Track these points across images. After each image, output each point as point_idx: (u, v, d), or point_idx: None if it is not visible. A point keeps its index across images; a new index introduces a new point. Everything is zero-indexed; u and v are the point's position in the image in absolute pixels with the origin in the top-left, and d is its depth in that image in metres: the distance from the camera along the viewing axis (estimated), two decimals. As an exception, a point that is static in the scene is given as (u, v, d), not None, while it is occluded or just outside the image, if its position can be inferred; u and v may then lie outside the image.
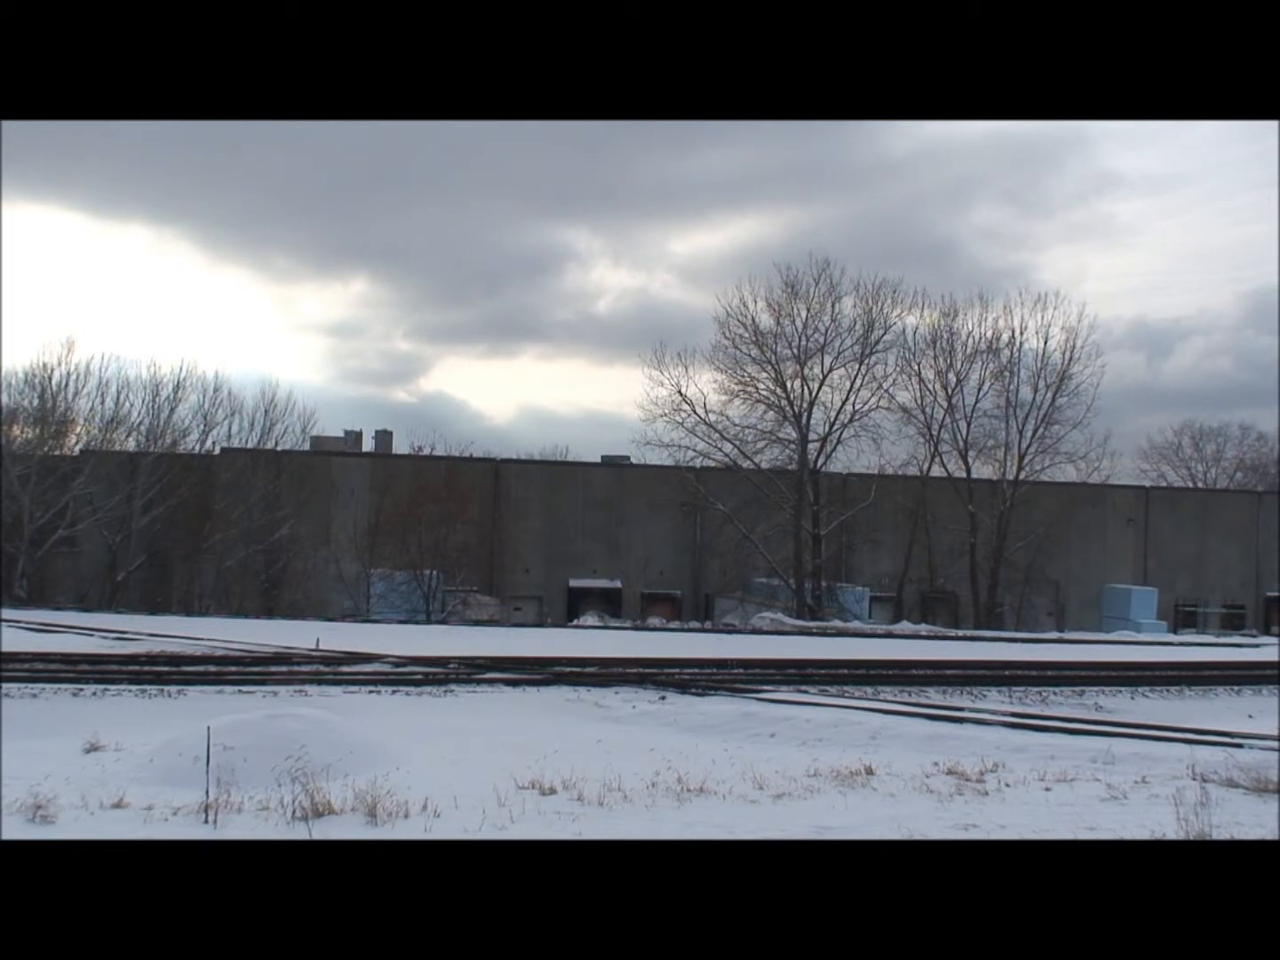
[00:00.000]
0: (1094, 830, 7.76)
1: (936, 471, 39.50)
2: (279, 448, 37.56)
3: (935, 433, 39.11)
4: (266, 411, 37.56)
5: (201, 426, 37.10)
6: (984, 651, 23.20)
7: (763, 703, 14.33)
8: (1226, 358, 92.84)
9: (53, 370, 34.78)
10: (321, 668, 16.72)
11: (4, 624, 20.99)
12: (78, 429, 36.41)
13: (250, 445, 37.00)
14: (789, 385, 36.86)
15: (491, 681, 16.32)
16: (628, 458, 41.07)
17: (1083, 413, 38.08)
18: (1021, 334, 38.41)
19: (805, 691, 15.61)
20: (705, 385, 37.57)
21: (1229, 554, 43.78)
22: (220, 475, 35.43)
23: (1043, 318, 38.29)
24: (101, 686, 14.68)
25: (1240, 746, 11.11)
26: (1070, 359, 38.13)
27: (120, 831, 7.26)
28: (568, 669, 17.20)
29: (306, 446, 38.88)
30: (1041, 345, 38.33)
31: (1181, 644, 28.81)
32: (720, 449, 37.47)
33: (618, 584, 37.89)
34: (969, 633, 31.82)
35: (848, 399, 37.00)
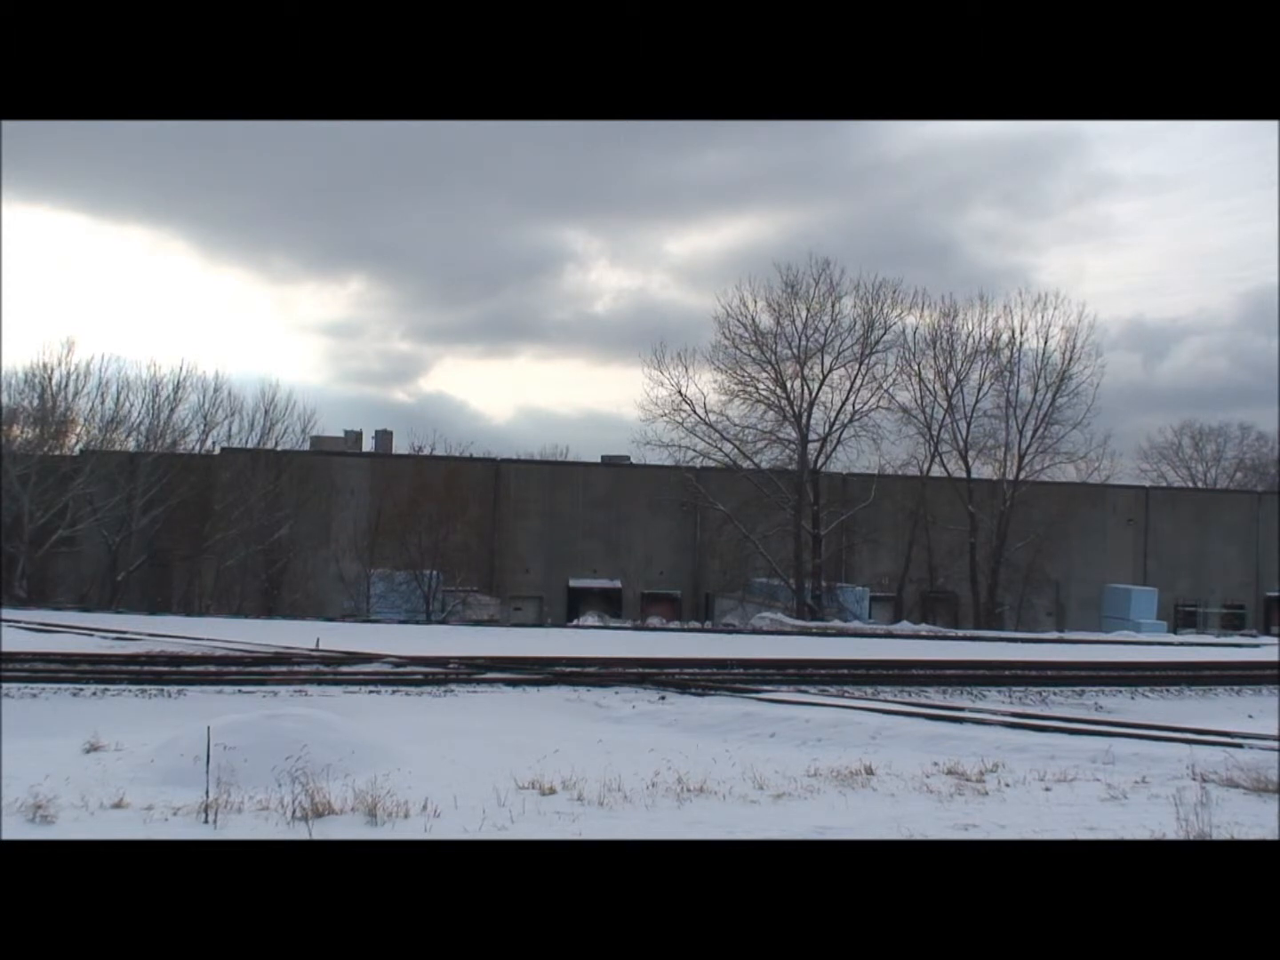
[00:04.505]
0: (1094, 830, 7.75)
1: (936, 471, 39.52)
2: (279, 448, 37.53)
3: (935, 433, 39.13)
4: (266, 411, 37.59)
5: (201, 426, 37.14)
6: (984, 651, 23.19)
7: (763, 703, 14.33)
8: (1223, 358, 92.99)
9: (53, 370, 34.84)
10: (321, 668, 16.72)
11: (4, 624, 20.99)
12: (78, 429, 36.47)
13: (250, 445, 36.98)
14: (789, 385, 36.90)
15: (491, 681, 16.32)
16: (628, 458, 41.07)
17: (1083, 413, 38.15)
18: (1021, 334, 38.49)
19: (805, 691, 15.61)
20: (705, 385, 37.65)
21: (1229, 554, 43.76)
22: (220, 475, 35.43)
23: (1042, 318, 38.37)
24: (101, 686, 14.67)
25: (1240, 746, 11.10)
26: (1070, 359, 38.21)
27: (120, 831, 7.25)
28: (568, 669, 17.19)
29: (306, 446, 38.85)
30: (1041, 345, 38.41)
31: (1181, 644, 28.80)
32: (720, 449, 37.50)
33: (618, 584, 37.88)
34: (969, 633, 31.81)
35: (848, 399, 37.08)
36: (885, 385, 37.67)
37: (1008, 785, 9.66)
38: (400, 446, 42.72)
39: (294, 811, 7.78)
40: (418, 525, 33.54)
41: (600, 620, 32.43)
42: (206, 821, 7.61)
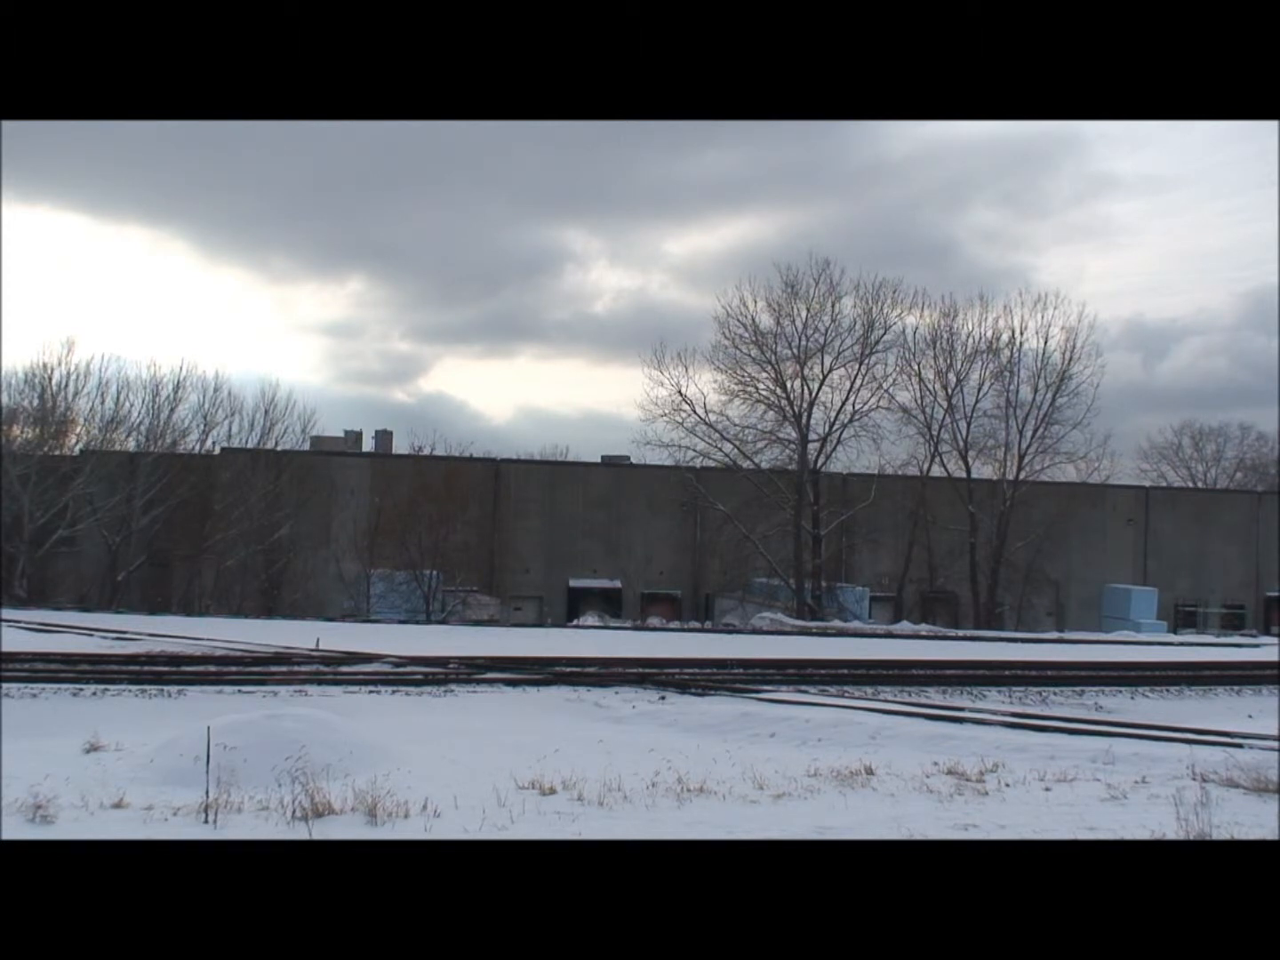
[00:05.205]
0: (1094, 830, 7.76)
1: (936, 471, 39.52)
2: (279, 448, 37.53)
3: (935, 433, 39.12)
4: (266, 411, 37.60)
5: (201, 426, 37.15)
6: (984, 651, 23.19)
7: (763, 703, 14.33)
8: (1223, 358, 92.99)
9: (53, 370, 34.85)
10: (321, 668, 16.71)
11: (4, 624, 20.99)
12: (78, 429, 36.48)
13: (250, 445, 36.98)
14: (789, 385, 36.90)
15: (491, 681, 16.31)
16: (628, 458, 41.07)
17: (1083, 413, 38.16)
18: (1021, 334, 38.49)
19: (805, 691, 15.61)
20: (705, 385, 37.66)
21: (1229, 554, 43.74)
22: (220, 475, 35.42)
23: (1042, 318, 38.37)
24: (101, 686, 14.67)
25: (1240, 746, 11.10)
26: (1070, 359, 38.22)
27: (120, 831, 7.26)
28: (568, 669, 17.19)
29: (306, 446, 38.85)
30: (1041, 345, 38.41)
31: (1181, 644, 28.80)
32: (720, 449, 37.50)
33: (618, 584, 37.88)
34: (969, 633, 31.80)
35: (848, 399, 37.07)
36: (885, 385, 37.73)
37: (1008, 785, 9.66)
38: (400, 446, 42.76)
39: (294, 811, 7.78)
40: (418, 525, 33.54)
41: (600, 620, 32.43)
42: (206, 821, 7.61)
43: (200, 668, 16.36)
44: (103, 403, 35.62)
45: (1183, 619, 41.56)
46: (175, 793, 8.42)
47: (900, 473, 39.96)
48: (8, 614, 23.57)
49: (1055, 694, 17.06)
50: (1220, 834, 7.33)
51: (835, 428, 37.13)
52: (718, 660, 18.47)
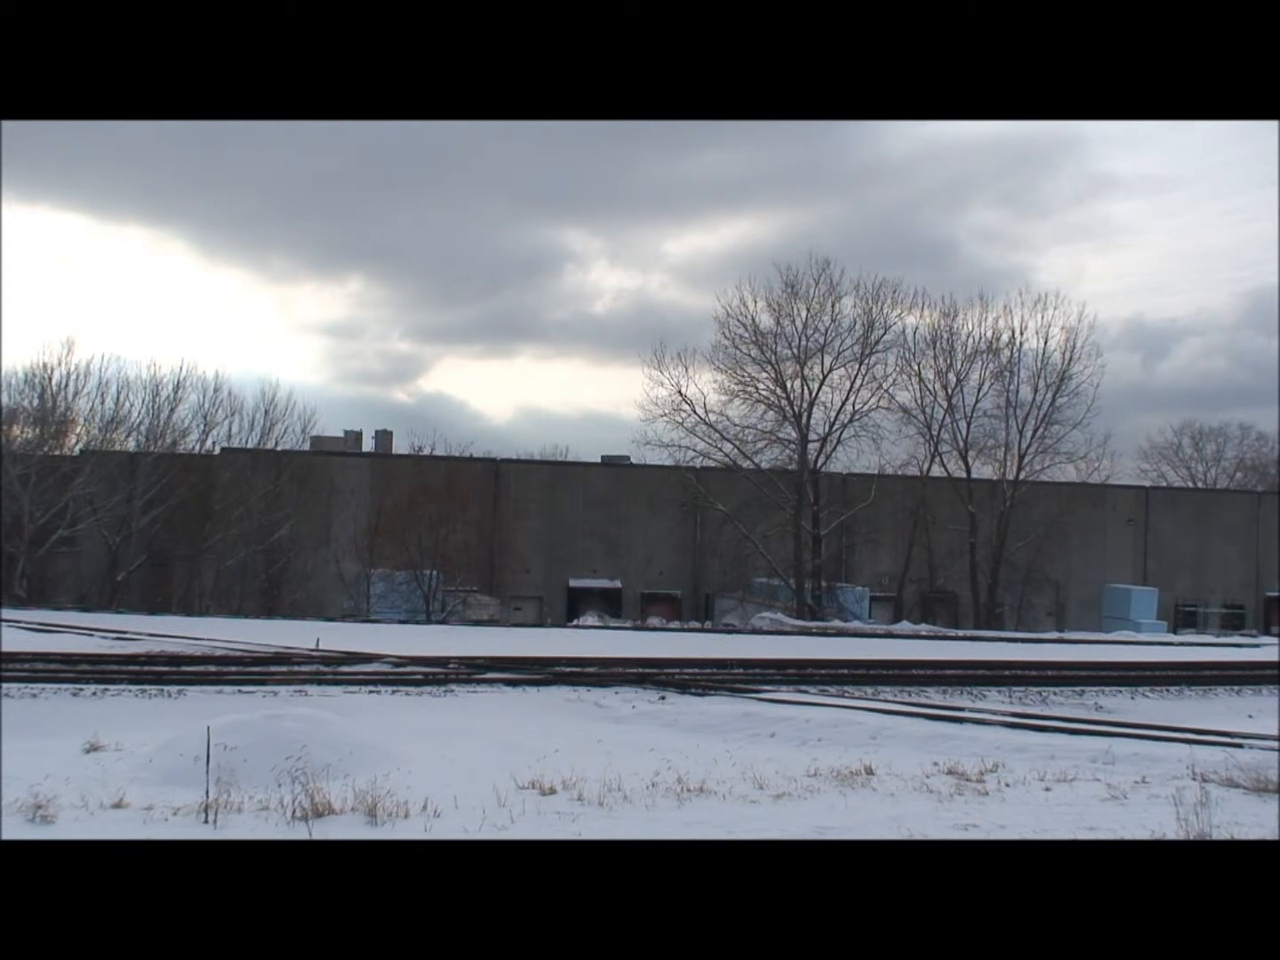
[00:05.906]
0: (1094, 830, 7.76)
1: (936, 471, 39.54)
2: (279, 448, 37.54)
3: (935, 433, 39.14)
4: (266, 411, 37.61)
5: (201, 426, 37.17)
6: (984, 651, 23.19)
7: (763, 703, 14.33)
8: (1222, 358, 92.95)
9: (53, 370, 34.85)
10: (321, 668, 16.71)
11: (4, 624, 20.98)
12: (78, 429, 36.49)
13: (250, 445, 36.99)
14: (789, 385, 36.93)
15: (491, 681, 16.31)
16: (628, 458, 41.08)
17: (1083, 413, 38.18)
18: (1021, 334, 38.50)
19: (805, 691, 15.61)
20: (705, 385, 37.68)
21: (1229, 554, 43.76)
22: (220, 475, 35.43)
23: (1042, 318, 38.38)
24: (101, 686, 14.67)
25: (1240, 746, 11.10)
26: (1070, 359, 38.23)
27: (120, 831, 7.26)
28: (568, 669, 17.19)
29: (306, 446, 38.86)
30: (1041, 345, 38.42)
31: (1181, 644, 28.80)
32: (720, 449, 37.53)
33: (618, 584, 37.89)
34: (969, 633, 31.81)
35: (848, 399, 37.10)
36: (885, 385, 37.76)
37: (1008, 785, 9.66)
38: (400, 446, 42.75)
39: (294, 811, 7.78)
40: (418, 525, 33.53)
41: (600, 620, 32.43)
42: (206, 821, 7.61)
43: (200, 668, 16.36)
44: (103, 403, 35.70)
45: (1183, 619, 41.58)
46: (175, 793, 8.42)
47: (900, 473, 39.99)
48: (8, 614, 23.57)
49: (1055, 694, 17.05)
50: (1220, 834, 7.33)
51: (835, 428, 37.22)
52: (718, 660, 18.47)
